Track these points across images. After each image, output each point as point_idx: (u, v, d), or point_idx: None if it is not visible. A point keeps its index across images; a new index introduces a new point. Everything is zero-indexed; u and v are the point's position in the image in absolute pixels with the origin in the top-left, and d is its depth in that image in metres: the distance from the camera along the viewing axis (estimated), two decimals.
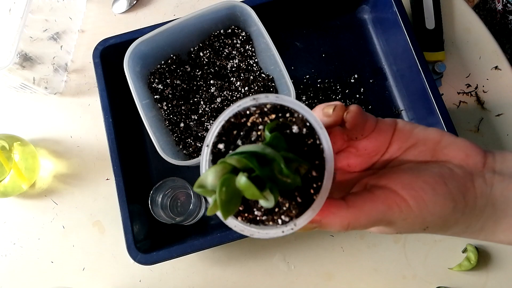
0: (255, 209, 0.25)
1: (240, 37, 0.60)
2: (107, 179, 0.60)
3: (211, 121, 0.57)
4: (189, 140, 0.58)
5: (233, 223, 0.26)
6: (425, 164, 0.28)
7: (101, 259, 0.58)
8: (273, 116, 0.26)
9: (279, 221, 0.24)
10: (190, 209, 0.52)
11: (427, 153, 0.28)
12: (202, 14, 0.55)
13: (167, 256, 0.50)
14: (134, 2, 0.68)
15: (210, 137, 0.26)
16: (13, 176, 0.56)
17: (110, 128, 0.55)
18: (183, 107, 0.59)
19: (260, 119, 0.26)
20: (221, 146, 0.26)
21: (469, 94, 0.62)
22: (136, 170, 0.58)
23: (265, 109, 0.26)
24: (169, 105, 0.59)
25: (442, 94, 0.61)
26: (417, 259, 0.56)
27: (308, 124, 0.25)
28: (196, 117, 0.59)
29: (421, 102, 0.56)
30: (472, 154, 0.28)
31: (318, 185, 0.24)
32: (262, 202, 0.24)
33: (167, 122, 0.59)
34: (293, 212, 0.24)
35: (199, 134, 0.58)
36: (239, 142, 0.26)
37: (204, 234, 0.55)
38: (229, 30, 0.60)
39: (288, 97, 0.26)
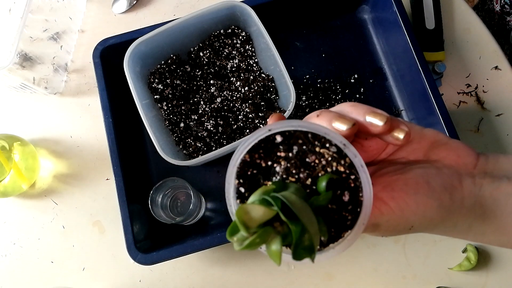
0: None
1: (240, 37, 0.60)
2: (107, 179, 0.60)
3: (211, 121, 0.57)
4: (189, 140, 0.58)
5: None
6: (412, 164, 0.28)
7: (101, 259, 0.58)
8: (342, 169, 0.25)
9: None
10: (190, 209, 0.52)
11: (420, 152, 0.29)
12: (202, 14, 0.55)
13: (167, 256, 0.50)
14: (134, 2, 0.68)
15: (280, 126, 0.25)
16: (13, 176, 0.56)
17: (110, 128, 0.55)
18: (183, 107, 0.59)
19: (330, 159, 0.25)
20: (282, 153, 0.25)
21: (469, 94, 0.62)
22: (136, 170, 0.58)
23: (342, 161, 0.25)
24: (169, 105, 0.59)
25: (442, 94, 0.61)
26: (417, 259, 0.56)
27: (360, 194, 0.25)
28: (196, 117, 0.59)
29: (421, 102, 0.56)
30: (463, 155, 0.28)
31: (341, 230, 0.24)
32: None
33: (167, 122, 0.59)
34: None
35: (199, 134, 0.58)
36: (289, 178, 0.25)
37: (204, 234, 0.55)
38: (229, 30, 0.60)
39: (358, 157, 0.25)
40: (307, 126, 0.25)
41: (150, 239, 0.54)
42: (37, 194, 0.61)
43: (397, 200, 0.26)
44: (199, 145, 0.57)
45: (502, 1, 0.70)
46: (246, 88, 0.58)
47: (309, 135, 0.25)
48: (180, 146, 0.58)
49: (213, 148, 0.57)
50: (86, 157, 0.62)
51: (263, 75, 0.59)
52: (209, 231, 0.56)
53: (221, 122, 0.58)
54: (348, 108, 0.27)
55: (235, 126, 0.58)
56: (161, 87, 0.59)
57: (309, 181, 0.25)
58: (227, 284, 0.56)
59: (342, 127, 0.25)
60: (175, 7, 0.69)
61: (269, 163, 0.25)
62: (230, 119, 0.58)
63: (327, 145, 0.25)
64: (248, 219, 0.21)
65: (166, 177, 0.53)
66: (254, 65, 0.60)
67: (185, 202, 0.58)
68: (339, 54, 0.64)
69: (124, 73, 0.53)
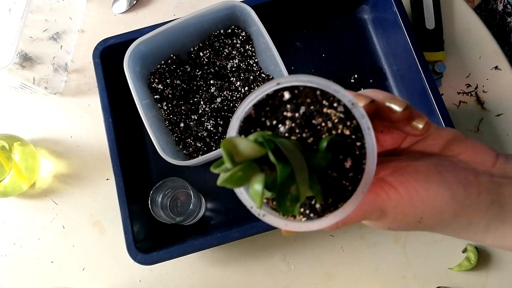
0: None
1: (240, 37, 0.60)
2: (107, 179, 0.60)
3: (211, 121, 0.57)
4: (189, 140, 0.58)
5: (249, 203, 0.24)
6: (424, 155, 0.27)
7: (101, 259, 0.58)
8: (348, 132, 0.23)
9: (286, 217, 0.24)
10: (190, 209, 0.52)
11: (436, 148, 0.27)
12: (202, 14, 0.55)
13: (167, 256, 0.50)
14: (134, 2, 0.68)
15: (288, 80, 0.24)
16: (13, 176, 0.56)
17: (110, 128, 0.55)
18: (183, 107, 0.59)
19: (336, 120, 0.23)
20: (287, 95, 0.24)
21: (469, 94, 0.62)
22: (136, 170, 0.58)
23: (349, 122, 0.23)
24: (169, 105, 0.59)
25: (442, 94, 0.61)
26: (417, 259, 0.56)
27: (363, 152, 0.23)
28: (196, 117, 0.59)
29: (421, 102, 0.56)
30: (480, 152, 0.26)
31: (339, 198, 0.23)
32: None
33: (167, 122, 0.59)
34: (304, 210, 0.23)
35: (199, 134, 0.58)
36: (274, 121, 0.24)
37: (204, 234, 0.55)
38: (229, 30, 0.60)
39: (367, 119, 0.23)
40: (317, 81, 0.23)
41: (150, 239, 0.54)
42: (37, 194, 0.61)
43: (406, 185, 0.24)
44: (199, 145, 0.57)
45: (505, 1, 0.70)
46: (246, 88, 0.58)
47: (318, 93, 0.24)
48: (180, 146, 0.58)
49: (213, 148, 0.57)
50: (86, 157, 0.62)
51: (263, 75, 0.59)
52: (209, 231, 0.56)
53: (221, 122, 0.58)
54: (368, 93, 0.26)
55: None
56: (161, 87, 0.59)
57: (310, 140, 0.23)
58: (227, 284, 0.56)
59: (359, 103, 0.24)
60: (175, 7, 0.69)
61: (274, 122, 0.24)
62: (230, 119, 0.58)
63: (335, 104, 0.23)
64: (234, 152, 0.20)
65: (166, 177, 0.53)
66: (254, 65, 0.60)
67: (185, 202, 0.58)
68: (339, 54, 0.64)
69: (124, 73, 0.53)
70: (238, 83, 0.58)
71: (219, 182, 0.20)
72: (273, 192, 0.21)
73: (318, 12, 0.64)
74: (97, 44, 0.58)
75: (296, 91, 0.24)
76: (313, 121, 0.24)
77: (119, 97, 0.58)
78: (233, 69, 0.60)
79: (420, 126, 0.25)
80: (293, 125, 0.24)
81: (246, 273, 0.56)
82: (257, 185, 0.20)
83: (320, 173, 0.23)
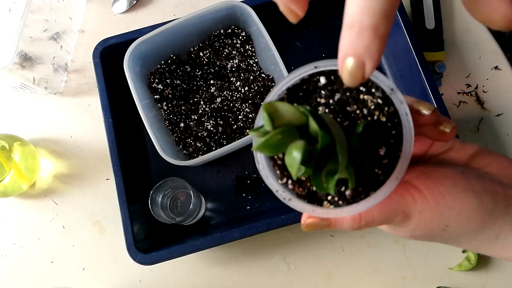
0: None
1: (240, 37, 0.60)
2: (107, 179, 0.60)
3: (211, 121, 0.57)
4: (189, 140, 0.58)
5: (280, 192, 0.23)
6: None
7: (101, 259, 0.58)
8: (384, 119, 0.23)
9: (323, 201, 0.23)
10: (190, 209, 0.52)
11: (459, 161, 0.26)
12: (202, 14, 0.55)
13: (167, 256, 0.50)
14: (134, 2, 0.68)
15: (326, 63, 0.23)
16: (13, 176, 0.56)
17: (110, 128, 0.55)
18: (183, 107, 0.59)
19: (372, 106, 0.23)
20: (323, 80, 0.23)
21: (469, 94, 0.62)
22: (136, 170, 0.58)
23: (386, 108, 0.23)
24: (169, 105, 0.59)
25: (442, 94, 0.61)
26: (417, 259, 0.56)
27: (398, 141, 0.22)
28: (196, 117, 0.59)
29: None
30: (506, 166, 0.25)
31: (371, 186, 0.22)
32: (290, 171, 0.21)
33: (167, 122, 0.59)
34: (334, 198, 0.22)
35: (199, 134, 0.58)
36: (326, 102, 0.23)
37: (204, 234, 0.55)
38: (229, 30, 0.60)
39: (403, 100, 0.23)
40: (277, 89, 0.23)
41: (150, 239, 0.54)
42: (37, 194, 0.61)
43: (433, 189, 0.23)
44: (199, 145, 0.57)
45: None
46: (246, 88, 0.58)
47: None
48: (180, 146, 0.58)
49: (213, 148, 0.57)
50: (86, 157, 0.62)
51: (263, 75, 0.59)
52: (209, 231, 0.56)
53: (221, 122, 0.58)
54: None
55: (235, 126, 0.58)
56: (161, 87, 0.59)
57: (345, 124, 0.22)
58: (227, 284, 0.56)
59: None
60: (175, 7, 0.69)
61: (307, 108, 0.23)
62: (230, 119, 0.58)
63: (373, 90, 0.23)
64: (276, 116, 0.19)
65: (166, 177, 0.53)
66: (254, 65, 0.60)
67: (185, 202, 0.58)
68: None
69: (124, 73, 0.53)
70: (238, 83, 0.58)
71: (254, 147, 0.19)
72: (307, 168, 0.19)
73: (318, 12, 0.64)
74: (97, 44, 0.58)
75: (332, 77, 0.23)
76: (348, 108, 0.23)
77: (119, 97, 0.58)
78: (233, 69, 0.60)
79: (448, 130, 0.24)
80: (326, 111, 0.23)
81: (246, 273, 0.56)
82: (296, 152, 0.18)
83: (354, 157, 0.22)
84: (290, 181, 0.23)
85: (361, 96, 0.23)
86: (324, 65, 0.23)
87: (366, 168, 0.22)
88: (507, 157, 0.26)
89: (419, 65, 0.55)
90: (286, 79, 0.23)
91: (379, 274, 0.56)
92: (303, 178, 0.23)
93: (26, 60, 0.59)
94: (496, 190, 0.24)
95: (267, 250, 0.57)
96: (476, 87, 0.62)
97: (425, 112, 0.23)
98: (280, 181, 0.23)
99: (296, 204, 0.22)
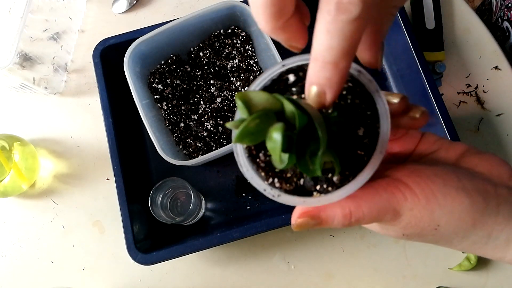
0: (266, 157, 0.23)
1: (240, 37, 0.60)
2: (107, 179, 0.60)
3: (211, 121, 0.57)
4: (189, 140, 0.58)
5: (262, 185, 0.23)
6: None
7: (101, 259, 0.58)
8: (349, 99, 0.23)
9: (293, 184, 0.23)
10: (190, 209, 0.52)
11: (449, 160, 0.26)
12: (202, 14, 0.55)
13: (167, 256, 0.50)
14: (134, 2, 0.68)
15: (292, 61, 0.23)
16: (13, 176, 0.56)
17: (110, 128, 0.55)
18: (183, 107, 0.59)
19: None
20: (292, 77, 0.23)
21: (469, 94, 0.62)
22: (136, 170, 0.58)
23: (348, 83, 0.23)
24: (169, 105, 0.59)
25: (442, 94, 0.61)
26: (417, 259, 0.56)
27: (377, 126, 0.23)
28: (196, 117, 0.59)
29: (421, 102, 0.56)
30: (496, 165, 0.25)
31: (357, 168, 0.22)
32: (274, 162, 0.21)
33: (167, 122, 0.59)
34: (322, 186, 0.22)
35: (199, 134, 0.58)
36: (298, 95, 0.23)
37: (204, 234, 0.55)
38: (229, 30, 0.60)
39: (374, 82, 0.23)
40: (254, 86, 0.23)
41: (150, 239, 0.54)
42: (37, 194, 0.61)
43: (424, 188, 0.23)
44: (199, 145, 0.57)
45: (498, 14, 0.70)
46: (246, 88, 0.58)
47: None
48: (180, 146, 0.58)
49: (213, 148, 0.57)
50: (86, 157, 0.62)
51: None
52: (209, 231, 0.56)
53: (221, 122, 0.58)
54: None
55: None
56: (161, 87, 0.59)
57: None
58: (227, 284, 0.56)
59: None
60: (175, 7, 0.69)
61: None
62: (230, 119, 0.58)
63: None
64: (250, 103, 0.19)
65: (166, 177, 0.53)
66: (254, 65, 0.60)
67: (185, 202, 0.58)
68: None
69: (124, 73, 0.53)
70: (238, 83, 0.58)
71: (234, 139, 0.19)
72: (290, 156, 0.20)
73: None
74: (97, 44, 0.58)
75: (301, 73, 0.23)
76: None
77: (119, 97, 0.58)
78: (233, 69, 0.60)
79: (417, 115, 0.25)
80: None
81: (246, 273, 0.56)
82: (276, 134, 0.18)
83: (335, 141, 0.22)
84: (276, 180, 0.23)
85: None
86: (291, 62, 0.23)
87: (349, 151, 0.22)
88: (496, 156, 0.26)
89: (419, 65, 0.55)
90: (256, 82, 0.23)
91: (379, 274, 0.56)
92: (289, 175, 0.23)
93: (26, 60, 0.59)
94: (487, 189, 0.24)
95: (267, 250, 0.57)
96: (476, 87, 0.62)
97: (394, 100, 0.24)
98: (266, 182, 0.23)
99: (286, 198, 0.22)
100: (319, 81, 0.20)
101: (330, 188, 0.22)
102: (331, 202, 0.22)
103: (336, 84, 0.20)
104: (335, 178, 0.22)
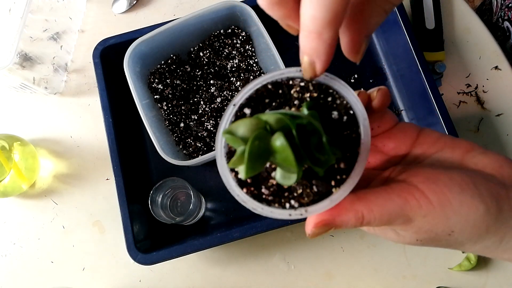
0: (263, 186, 0.23)
1: (240, 37, 0.60)
2: (107, 179, 0.60)
3: (211, 121, 0.57)
4: (189, 140, 0.58)
5: (237, 191, 0.24)
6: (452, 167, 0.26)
7: (101, 259, 0.58)
8: (315, 94, 0.24)
9: (287, 205, 0.23)
10: (190, 209, 0.52)
11: (455, 160, 0.26)
12: (202, 14, 0.55)
13: (167, 256, 0.50)
14: (134, 2, 0.68)
15: (240, 97, 0.24)
16: (13, 176, 0.56)
17: (110, 128, 0.55)
18: (183, 107, 0.59)
19: (300, 94, 0.24)
20: (247, 110, 0.24)
21: (469, 94, 0.62)
22: (136, 170, 0.58)
23: (310, 85, 0.24)
24: (169, 105, 0.59)
25: (442, 94, 0.61)
26: (417, 259, 0.56)
27: (351, 112, 0.24)
28: (196, 117, 0.59)
29: (421, 102, 0.56)
30: (506, 165, 0.25)
31: (343, 178, 0.23)
32: (279, 176, 0.22)
33: (167, 122, 0.59)
34: (306, 199, 0.23)
35: (199, 134, 0.58)
36: (268, 111, 0.24)
37: (204, 234, 0.55)
38: (229, 30, 0.60)
39: (338, 79, 0.24)
40: (263, 79, 0.24)
41: (150, 239, 0.54)
42: (37, 194, 0.61)
43: (439, 195, 0.23)
44: (199, 145, 0.57)
45: (499, 14, 0.70)
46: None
47: (270, 87, 0.25)
48: (180, 146, 0.58)
49: (213, 148, 0.57)
50: (86, 157, 0.62)
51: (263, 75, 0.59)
52: (209, 231, 0.56)
53: None
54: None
55: None
56: (161, 87, 0.59)
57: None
58: (227, 284, 0.56)
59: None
60: (175, 7, 0.69)
61: None
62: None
63: (291, 82, 0.25)
64: (237, 136, 0.20)
65: (166, 177, 0.53)
66: (254, 65, 0.60)
67: (185, 202, 0.58)
68: (339, 54, 0.64)
69: (124, 73, 0.53)
70: (238, 83, 0.58)
71: (244, 174, 0.19)
72: (299, 156, 0.20)
73: None
74: (97, 44, 0.58)
75: (252, 103, 0.25)
76: (292, 108, 0.24)
77: (119, 97, 0.58)
78: (233, 69, 0.60)
79: (375, 93, 0.25)
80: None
81: (246, 273, 0.56)
82: (279, 141, 0.19)
83: (316, 144, 0.22)
84: (292, 201, 0.23)
85: (291, 91, 0.24)
86: (239, 98, 0.25)
87: (323, 180, 0.23)
88: (504, 156, 0.26)
89: (419, 65, 0.55)
90: (222, 123, 0.24)
91: (379, 274, 0.56)
92: (300, 191, 0.23)
93: (26, 60, 0.59)
94: (499, 193, 0.24)
95: (267, 250, 0.57)
96: (476, 87, 0.62)
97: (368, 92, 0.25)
98: (287, 209, 0.23)
99: (313, 209, 0.23)
100: (307, 51, 0.21)
101: (322, 190, 0.23)
102: (328, 208, 0.23)
103: (323, 54, 0.21)
104: (341, 165, 0.23)
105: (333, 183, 0.23)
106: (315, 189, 0.23)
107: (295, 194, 0.23)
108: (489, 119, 0.61)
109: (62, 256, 0.58)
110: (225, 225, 0.57)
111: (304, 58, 0.22)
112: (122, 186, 0.52)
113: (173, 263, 0.57)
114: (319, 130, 0.21)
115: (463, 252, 0.56)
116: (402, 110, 0.61)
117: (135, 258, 0.49)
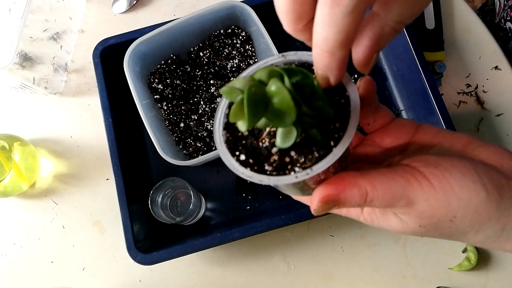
0: (266, 164, 0.23)
1: (240, 37, 0.60)
2: (107, 179, 0.60)
3: (211, 121, 0.57)
4: (189, 140, 0.58)
5: (241, 170, 0.23)
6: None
7: (101, 259, 0.58)
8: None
9: (292, 173, 0.23)
10: (190, 209, 0.52)
11: (456, 152, 0.26)
12: (202, 14, 0.55)
13: (167, 256, 0.50)
14: (134, 2, 0.68)
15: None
16: (13, 176, 0.56)
17: (110, 128, 0.55)
18: (183, 107, 0.59)
19: None
20: None
21: (469, 94, 0.62)
22: (136, 170, 0.58)
23: (293, 67, 0.24)
24: (169, 105, 0.59)
25: (442, 94, 0.61)
26: (417, 259, 0.56)
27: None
28: (196, 117, 0.59)
29: (421, 102, 0.56)
30: (506, 157, 0.25)
31: (340, 135, 0.23)
32: (279, 140, 0.22)
33: (167, 122, 0.59)
34: (309, 163, 0.23)
35: (199, 134, 0.58)
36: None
37: (204, 234, 0.55)
38: (229, 30, 0.60)
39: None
40: (250, 70, 0.25)
41: (150, 239, 0.54)
42: (37, 194, 0.61)
43: (441, 179, 0.23)
44: (199, 145, 0.57)
45: (501, 16, 0.70)
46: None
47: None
48: (180, 146, 0.58)
49: (213, 148, 0.57)
50: (86, 157, 0.62)
51: None
52: (209, 231, 0.56)
53: None
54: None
55: None
56: (161, 87, 0.59)
57: None
58: (227, 284, 0.56)
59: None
60: (175, 7, 0.69)
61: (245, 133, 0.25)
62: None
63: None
64: (237, 89, 0.21)
65: (166, 177, 0.53)
66: None
67: (185, 202, 0.58)
68: None
69: (124, 73, 0.53)
70: None
71: (246, 124, 0.20)
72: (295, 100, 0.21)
73: None
74: (97, 44, 0.58)
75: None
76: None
77: (119, 97, 0.58)
78: (233, 69, 0.60)
79: (358, 83, 0.27)
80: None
81: (246, 273, 0.56)
82: (275, 85, 0.20)
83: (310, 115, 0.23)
84: (297, 169, 0.23)
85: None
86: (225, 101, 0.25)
87: (321, 144, 0.23)
88: (504, 148, 0.26)
89: (419, 65, 0.55)
90: (215, 124, 0.25)
91: (379, 274, 0.56)
92: (278, 158, 0.24)
93: (26, 60, 0.59)
94: (501, 182, 0.24)
95: (267, 250, 0.57)
96: (476, 87, 0.62)
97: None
98: (293, 173, 0.23)
99: (318, 167, 0.23)
100: (319, 67, 0.22)
101: (321, 152, 0.23)
102: (329, 164, 0.23)
103: (336, 70, 0.22)
104: (337, 124, 0.23)
105: (332, 143, 0.23)
106: (316, 154, 0.23)
107: (298, 164, 0.23)
108: (489, 119, 0.61)
109: (62, 256, 0.58)
110: (225, 225, 0.57)
111: (318, 72, 0.23)
112: (122, 186, 0.52)
113: (173, 263, 0.57)
114: (310, 77, 0.21)
115: (463, 252, 0.56)
116: (402, 110, 0.61)
117: (135, 258, 0.49)
